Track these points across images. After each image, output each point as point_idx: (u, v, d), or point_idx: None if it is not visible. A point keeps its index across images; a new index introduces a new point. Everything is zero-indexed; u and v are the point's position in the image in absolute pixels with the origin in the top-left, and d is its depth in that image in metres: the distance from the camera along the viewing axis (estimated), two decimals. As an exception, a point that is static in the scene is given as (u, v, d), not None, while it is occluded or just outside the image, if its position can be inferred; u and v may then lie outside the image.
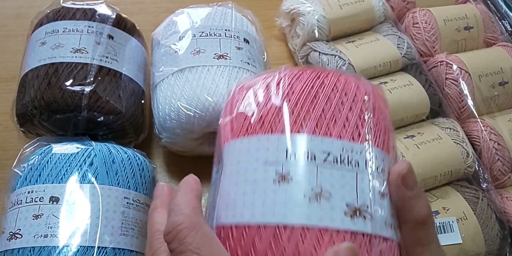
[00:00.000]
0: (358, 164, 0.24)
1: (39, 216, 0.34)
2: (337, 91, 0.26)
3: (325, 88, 0.26)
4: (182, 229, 0.21)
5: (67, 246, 0.33)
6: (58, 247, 0.33)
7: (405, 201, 0.25)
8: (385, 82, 0.49)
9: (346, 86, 0.27)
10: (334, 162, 0.24)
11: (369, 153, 0.25)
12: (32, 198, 0.35)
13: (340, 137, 0.24)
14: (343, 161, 0.24)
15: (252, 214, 0.23)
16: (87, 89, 0.41)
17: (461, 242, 0.41)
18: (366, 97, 0.27)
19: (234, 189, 0.24)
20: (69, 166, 0.37)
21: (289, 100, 0.26)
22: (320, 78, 0.27)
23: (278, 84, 0.27)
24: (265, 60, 0.50)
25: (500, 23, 0.57)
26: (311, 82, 0.27)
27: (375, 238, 0.23)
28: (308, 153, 0.24)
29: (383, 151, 0.25)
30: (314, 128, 0.25)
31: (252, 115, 0.26)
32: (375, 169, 0.24)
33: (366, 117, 0.26)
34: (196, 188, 0.24)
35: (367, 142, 0.25)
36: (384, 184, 0.24)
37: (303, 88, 0.26)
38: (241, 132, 0.26)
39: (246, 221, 0.23)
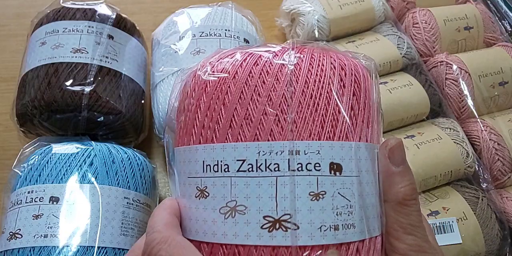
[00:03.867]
0: (278, 167, 0.21)
1: (39, 216, 0.34)
2: (247, 87, 0.23)
3: (231, 88, 0.23)
4: (155, 245, 0.22)
5: (67, 246, 0.33)
6: (58, 247, 0.33)
7: (389, 177, 0.24)
8: (385, 82, 0.49)
9: (250, 79, 0.23)
10: (249, 170, 0.21)
11: (295, 150, 0.21)
12: (32, 198, 0.35)
13: (257, 139, 0.22)
14: (259, 167, 0.21)
15: (189, 229, 0.23)
16: (87, 89, 0.41)
17: (461, 242, 0.41)
18: (284, 86, 0.22)
19: (180, 202, 0.25)
20: (69, 166, 0.37)
21: (200, 107, 0.24)
22: (224, 82, 0.24)
23: (190, 87, 0.25)
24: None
25: (500, 23, 0.57)
26: (217, 87, 0.24)
27: (305, 249, 0.20)
28: (220, 164, 0.22)
29: (329, 141, 0.22)
30: (226, 135, 0.22)
31: (178, 124, 0.26)
32: (305, 167, 0.21)
33: (288, 109, 0.22)
34: (169, 205, 0.24)
35: (294, 136, 0.22)
36: (320, 181, 0.21)
37: (212, 92, 0.24)
38: (175, 142, 0.26)
39: (186, 236, 0.23)
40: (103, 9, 0.47)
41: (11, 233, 0.34)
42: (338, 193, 0.21)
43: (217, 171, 0.22)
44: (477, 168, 0.46)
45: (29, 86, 0.42)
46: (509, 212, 0.44)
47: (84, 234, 0.34)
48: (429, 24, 0.53)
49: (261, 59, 0.24)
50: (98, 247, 0.34)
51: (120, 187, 0.37)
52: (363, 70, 0.25)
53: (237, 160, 0.22)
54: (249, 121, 0.22)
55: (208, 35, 0.46)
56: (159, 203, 0.44)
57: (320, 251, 0.21)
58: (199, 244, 0.22)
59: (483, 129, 0.47)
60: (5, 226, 0.35)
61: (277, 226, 0.21)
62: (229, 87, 0.23)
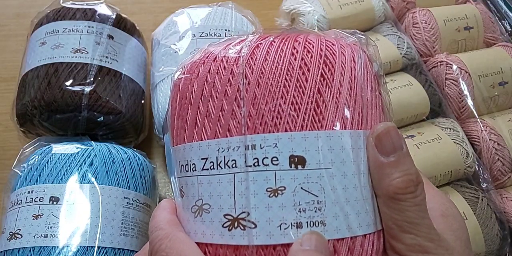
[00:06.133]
0: (235, 163, 0.20)
1: (39, 216, 0.34)
2: (197, 87, 0.23)
3: (194, 86, 0.23)
4: (157, 241, 0.22)
5: (67, 246, 0.33)
6: (58, 247, 0.33)
7: (377, 168, 0.21)
8: (385, 82, 0.49)
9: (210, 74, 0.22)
10: (211, 168, 0.21)
11: (250, 144, 0.20)
12: (32, 198, 0.35)
13: (217, 136, 0.21)
14: (219, 165, 0.21)
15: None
16: (87, 89, 0.41)
17: (461, 242, 0.41)
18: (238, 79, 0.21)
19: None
20: (69, 166, 0.37)
21: (174, 108, 0.24)
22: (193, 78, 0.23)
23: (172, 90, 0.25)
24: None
25: (500, 23, 0.57)
26: (187, 88, 0.23)
27: (266, 249, 0.19)
28: (189, 163, 0.22)
29: (288, 132, 0.20)
30: (193, 134, 0.22)
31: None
32: (261, 161, 0.20)
33: (241, 105, 0.21)
34: (168, 205, 0.24)
35: (249, 130, 0.20)
36: (279, 176, 0.20)
37: (181, 93, 0.24)
38: None
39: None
40: (103, 9, 0.47)
41: (11, 233, 0.34)
42: (301, 188, 0.20)
43: (188, 170, 0.22)
44: (477, 168, 0.46)
45: (29, 86, 0.42)
46: (509, 212, 0.44)
47: (84, 234, 0.34)
48: (429, 24, 0.53)
49: (220, 54, 0.23)
50: (98, 247, 0.34)
51: (120, 187, 0.37)
52: (344, 49, 0.23)
53: (201, 159, 0.21)
54: (210, 119, 0.22)
55: (208, 35, 0.46)
56: (159, 202, 0.44)
57: None
58: None
59: (483, 129, 0.47)
60: (5, 226, 0.35)
61: (236, 224, 0.20)
62: (193, 86, 0.23)
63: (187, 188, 0.22)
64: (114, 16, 0.47)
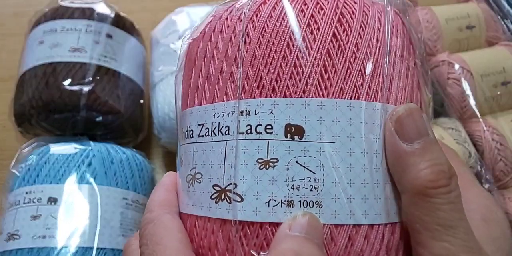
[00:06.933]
0: (228, 130, 0.18)
1: (37, 217, 0.34)
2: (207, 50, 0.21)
3: (199, 47, 0.21)
4: (144, 224, 0.21)
5: (66, 247, 0.33)
6: (56, 248, 0.33)
7: (400, 158, 0.17)
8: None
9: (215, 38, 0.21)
10: (206, 134, 0.19)
11: (245, 110, 0.18)
12: (30, 198, 0.35)
13: (214, 100, 0.19)
14: (213, 131, 0.19)
15: (179, 202, 0.22)
16: (86, 88, 0.40)
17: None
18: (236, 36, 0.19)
19: None
20: (67, 166, 0.36)
21: (182, 73, 0.23)
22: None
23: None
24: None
25: (503, 22, 0.57)
26: (199, 50, 0.22)
27: (252, 226, 0.17)
28: (188, 130, 0.20)
29: (288, 98, 0.18)
30: (194, 99, 0.21)
31: None
32: (254, 129, 0.18)
33: (239, 66, 0.19)
34: (166, 182, 0.22)
35: (245, 94, 0.18)
36: (272, 146, 0.18)
37: (188, 56, 0.22)
38: None
39: (180, 209, 0.22)
40: (101, 8, 0.46)
41: (9, 234, 0.34)
42: (296, 161, 0.17)
43: (187, 137, 0.21)
44: (479, 169, 0.45)
45: (27, 85, 0.41)
46: (511, 212, 0.44)
47: (82, 235, 0.33)
48: (431, 23, 0.53)
49: (226, 12, 0.21)
50: (97, 248, 0.34)
51: (118, 187, 0.37)
52: (369, 8, 0.20)
53: (198, 125, 0.20)
54: (209, 81, 0.20)
55: (208, 34, 0.46)
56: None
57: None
58: (183, 216, 0.21)
59: (485, 129, 0.47)
60: (3, 227, 0.35)
61: (223, 196, 0.18)
62: (198, 47, 0.21)
63: (185, 156, 0.21)
64: (112, 15, 0.46)
